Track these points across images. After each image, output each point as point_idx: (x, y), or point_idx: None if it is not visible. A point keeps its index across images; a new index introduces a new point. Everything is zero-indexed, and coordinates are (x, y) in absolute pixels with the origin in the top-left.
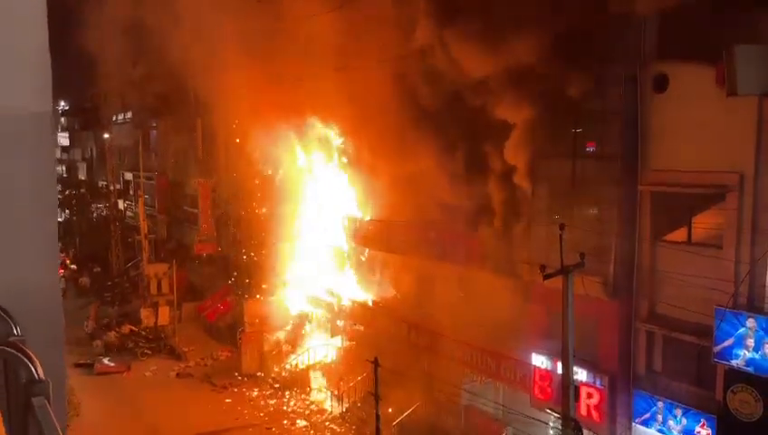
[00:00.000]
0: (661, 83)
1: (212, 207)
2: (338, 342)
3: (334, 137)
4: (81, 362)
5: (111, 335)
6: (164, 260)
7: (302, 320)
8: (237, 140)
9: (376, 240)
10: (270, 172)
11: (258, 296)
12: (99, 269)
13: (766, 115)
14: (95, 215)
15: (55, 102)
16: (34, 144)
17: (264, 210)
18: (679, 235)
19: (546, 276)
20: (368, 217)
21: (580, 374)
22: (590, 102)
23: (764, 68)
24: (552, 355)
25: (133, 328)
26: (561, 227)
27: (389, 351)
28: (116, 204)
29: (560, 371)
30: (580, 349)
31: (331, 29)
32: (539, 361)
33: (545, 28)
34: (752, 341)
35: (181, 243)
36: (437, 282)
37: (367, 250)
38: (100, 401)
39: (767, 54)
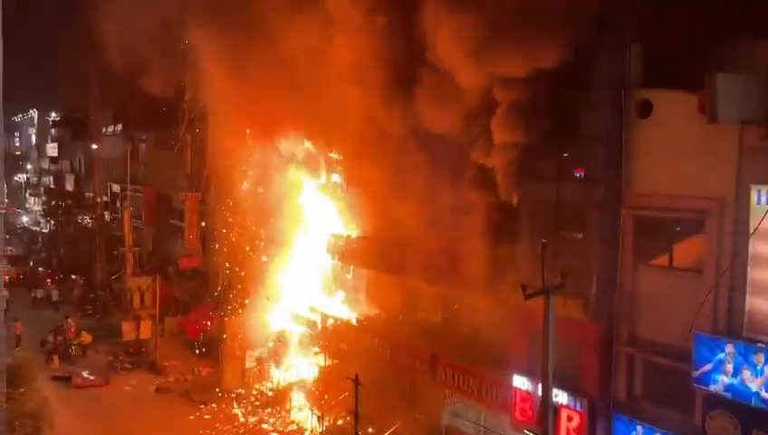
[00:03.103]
0: (645, 109)
1: (198, 221)
2: (320, 360)
3: (323, 154)
4: (59, 374)
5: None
6: (148, 273)
7: (285, 337)
8: (226, 148)
9: (361, 258)
10: (258, 188)
11: (241, 312)
12: (82, 280)
13: (746, 142)
14: (81, 226)
15: (46, 113)
16: None
17: (251, 227)
18: (661, 259)
19: (527, 296)
20: (353, 235)
21: (561, 397)
22: (576, 126)
23: (744, 96)
24: (533, 377)
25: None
26: (544, 246)
27: (372, 369)
28: (102, 215)
29: (540, 392)
30: (561, 371)
31: (327, 45)
32: (520, 382)
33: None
34: (730, 366)
35: (166, 256)
36: (422, 300)
37: (352, 268)
38: (76, 414)
39: (747, 82)
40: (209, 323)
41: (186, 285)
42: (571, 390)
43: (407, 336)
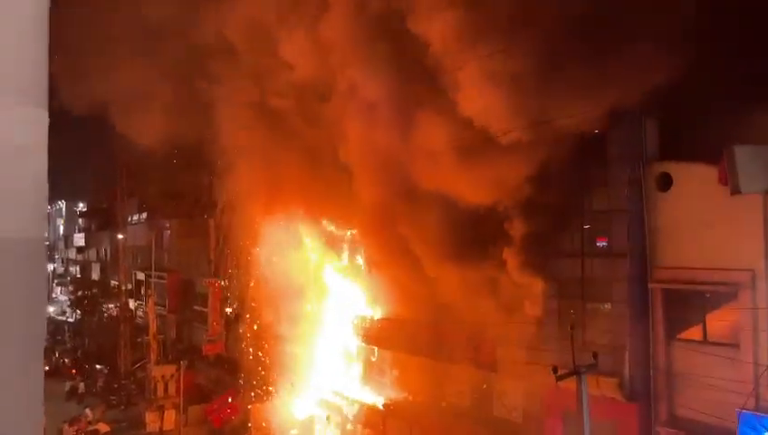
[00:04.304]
0: (664, 182)
1: (222, 307)
2: None
3: (346, 236)
4: None
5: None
6: (172, 361)
7: (311, 423)
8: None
9: (386, 339)
10: (281, 271)
11: (266, 399)
12: (107, 370)
13: None
14: (106, 315)
15: (74, 204)
16: (26, 272)
17: (275, 311)
18: (694, 333)
19: (559, 378)
20: (378, 316)
21: None
22: (599, 202)
23: (765, 166)
24: None
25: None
26: (572, 326)
27: None
28: (126, 304)
29: None
30: None
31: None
32: None
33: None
34: None
35: (190, 343)
36: (449, 382)
37: (377, 350)
38: None
39: (766, 153)
40: (233, 412)
41: (210, 372)
42: None
43: (435, 420)
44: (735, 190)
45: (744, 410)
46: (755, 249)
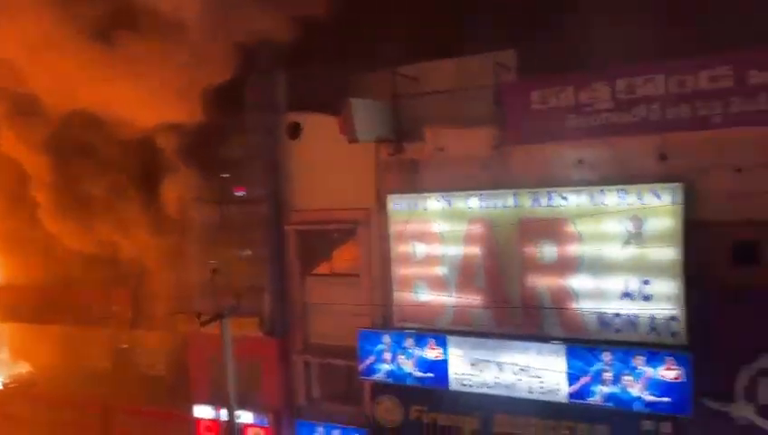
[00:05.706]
0: (294, 132)
1: None
2: None
3: None
4: None
5: None
6: None
7: None
8: None
9: (3, 311)
10: None
11: None
12: None
13: (381, 158)
14: None
15: None
16: None
17: None
18: (324, 268)
19: (203, 323)
20: None
21: (246, 417)
22: (235, 149)
23: (376, 118)
24: (216, 404)
25: None
26: (213, 271)
27: None
28: None
29: (225, 417)
30: (246, 391)
31: None
32: (202, 412)
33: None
34: (389, 355)
35: None
36: (85, 347)
37: None
38: None
39: (377, 106)
40: None
41: None
42: (257, 407)
43: (72, 390)
44: (353, 139)
45: (363, 329)
46: (369, 191)
